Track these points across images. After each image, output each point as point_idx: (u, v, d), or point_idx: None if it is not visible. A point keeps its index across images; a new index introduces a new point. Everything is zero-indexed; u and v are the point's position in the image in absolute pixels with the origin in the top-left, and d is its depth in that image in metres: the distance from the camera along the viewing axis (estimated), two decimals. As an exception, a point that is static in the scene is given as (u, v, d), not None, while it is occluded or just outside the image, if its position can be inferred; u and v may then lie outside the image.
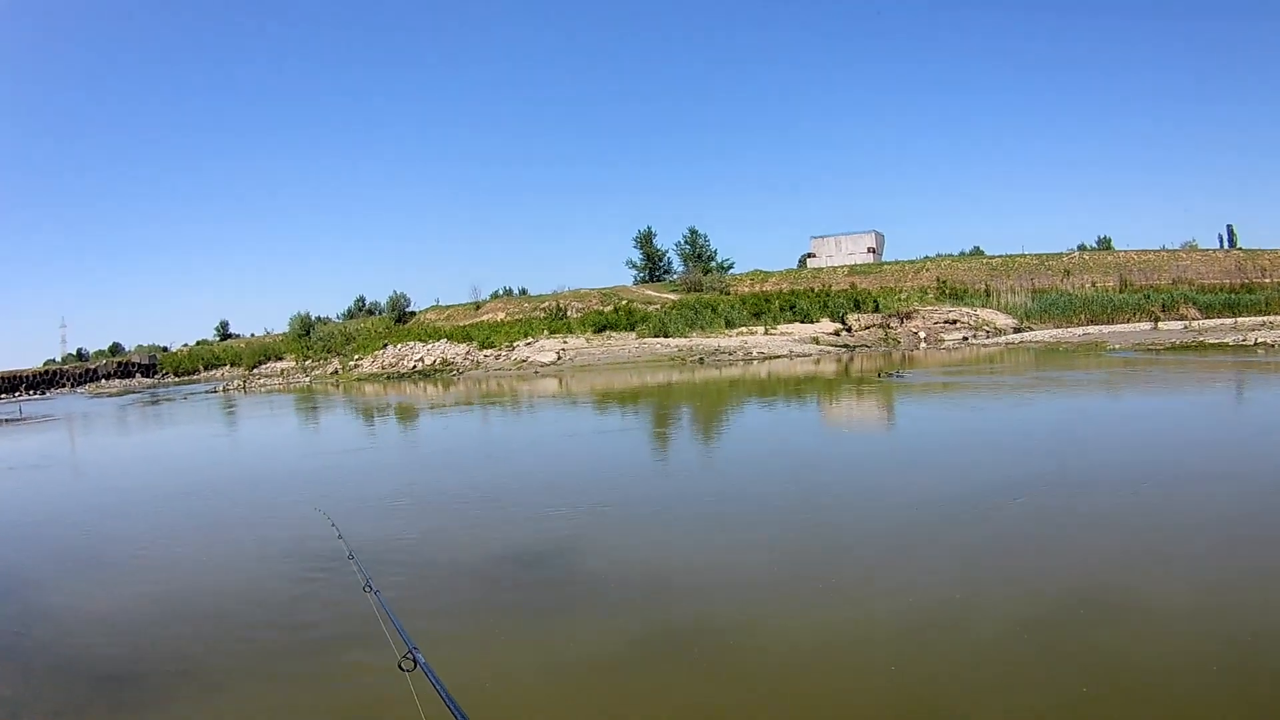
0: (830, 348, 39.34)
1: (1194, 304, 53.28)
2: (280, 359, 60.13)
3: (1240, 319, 49.41)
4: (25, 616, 6.72)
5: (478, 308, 65.43)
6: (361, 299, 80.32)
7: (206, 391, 43.34)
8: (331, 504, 9.52)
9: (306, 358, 55.94)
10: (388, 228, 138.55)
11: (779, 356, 36.68)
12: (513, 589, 6.67)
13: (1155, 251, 66.80)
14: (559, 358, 39.90)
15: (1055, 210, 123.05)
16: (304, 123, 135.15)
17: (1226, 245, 71.40)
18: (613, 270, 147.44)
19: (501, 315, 60.03)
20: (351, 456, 15.83)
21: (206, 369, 66.13)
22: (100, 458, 19.62)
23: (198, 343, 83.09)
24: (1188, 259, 64.60)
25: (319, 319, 70.35)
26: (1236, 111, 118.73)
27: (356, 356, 49.31)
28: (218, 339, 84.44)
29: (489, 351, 43.32)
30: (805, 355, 37.28)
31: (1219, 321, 48.61)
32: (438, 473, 13.04)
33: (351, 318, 75.00)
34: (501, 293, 71.50)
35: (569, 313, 54.49)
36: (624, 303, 54.55)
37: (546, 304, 58.83)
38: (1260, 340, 35.17)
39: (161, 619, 6.61)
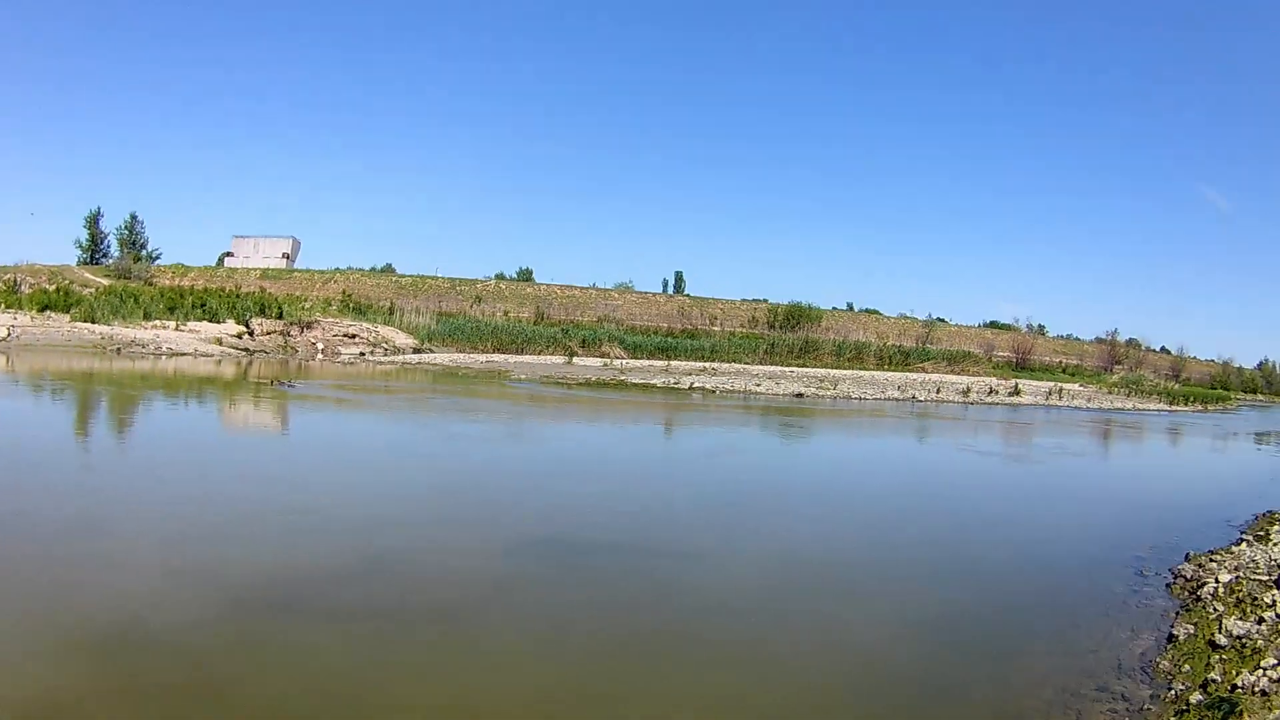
0: (232, 350, 41.04)
1: (620, 343, 54.16)
2: None
3: (675, 362, 50.38)
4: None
5: (-56, 275, 55.95)
6: None
7: None
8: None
9: None
10: None
11: (185, 354, 37.38)
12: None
13: (583, 288, 69.83)
14: (8, 334, 38.15)
15: (478, 238, 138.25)
16: None
17: (672, 290, 76.36)
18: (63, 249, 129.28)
19: (-39, 288, 51.16)
20: None
21: None
22: None
23: None
24: (620, 299, 68.35)
25: None
26: (677, 163, 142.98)
27: None
28: None
29: (-51, 323, 37.77)
30: (209, 355, 38.11)
31: (648, 363, 49.05)
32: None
33: None
34: (-34, 265, 61.96)
35: (23, 288, 51.43)
36: (66, 283, 52.50)
37: (8, 276, 54.18)
38: (696, 385, 35.85)
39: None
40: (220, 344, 41.93)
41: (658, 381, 36.62)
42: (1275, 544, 10.71)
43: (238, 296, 53.32)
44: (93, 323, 43.21)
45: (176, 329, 43.91)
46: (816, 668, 6.42)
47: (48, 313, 44.56)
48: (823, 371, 53.04)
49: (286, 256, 71.59)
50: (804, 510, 12.73)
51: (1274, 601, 7.58)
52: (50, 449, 13.77)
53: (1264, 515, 13.77)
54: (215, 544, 8.38)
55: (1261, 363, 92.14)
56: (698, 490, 13.73)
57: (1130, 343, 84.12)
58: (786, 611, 7.66)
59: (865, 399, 36.61)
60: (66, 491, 10.29)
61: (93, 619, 6.15)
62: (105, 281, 56.78)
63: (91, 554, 7.69)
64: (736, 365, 51.86)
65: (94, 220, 72.73)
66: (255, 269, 67.15)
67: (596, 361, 47.82)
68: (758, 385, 37.66)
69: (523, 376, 36.36)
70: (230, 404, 22.90)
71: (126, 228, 71.77)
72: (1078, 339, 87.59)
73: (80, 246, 72.47)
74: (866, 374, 54.86)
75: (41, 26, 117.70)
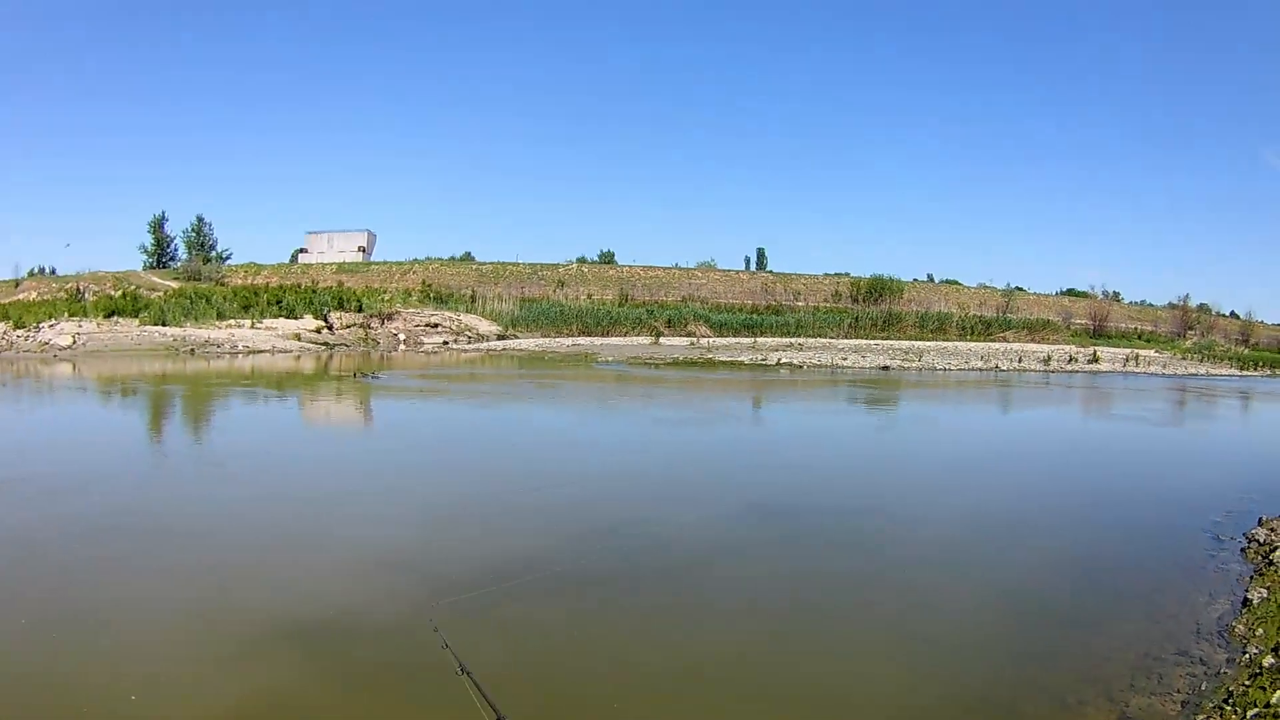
0: (311, 345, 40.59)
1: (706, 322, 54.50)
2: None
3: (761, 339, 50.47)
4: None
5: (16, 285, 56.42)
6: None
7: None
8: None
9: None
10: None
11: (263, 351, 37.31)
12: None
13: (665, 268, 69.23)
14: (74, 341, 37.69)
15: (557, 224, 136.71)
16: None
17: (754, 268, 75.26)
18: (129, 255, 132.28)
19: (34, 295, 52.30)
20: None
21: None
22: None
23: None
24: (704, 278, 67.49)
25: None
26: (760, 137, 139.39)
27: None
28: None
29: (21, 332, 39.20)
30: (287, 351, 37.94)
31: (735, 340, 49.10)
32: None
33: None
34: (37, 271, 62.70)
35: (87, 295, 50.33)
36: (133, 288, 51.40)
37: (70, 285, 53.45)
38: (784, 360, 36.07)
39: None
40: (299, 339, 41.60)
41: (745, 359, 36.75)
42: (1350, 512, 10.29)
43: (314, 292, 52.43)
44: (163, 325, 41.84)
45: (252, 327, 43.12)
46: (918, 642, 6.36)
47: (115, 318, 42.94)
48: (907, 343, 53.53)
49: (362, 250, 70.53)
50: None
51: (1349, 570, 7.39)
52: (170, 454, 14.06)
53: (1338, 483, 12.93)
54: (408, 534, 8.87)
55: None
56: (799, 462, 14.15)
57: (1201, 308, 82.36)
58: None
59: (950, 369, 36.94)
60: (199, 497, 10.39)
61: (299, 616, 6.34)
62: (174, 285, 55.73)
63: (267, 555, 7.96)
64: (821, 340, 52.11)
65: (158, 224, 70.87)
66: (331, 264, 66.06)
67: (683, 341, 47.66)
68: (844, 359, 38.24)
69: (610, 358, 35.93)
70: (324, 397, 22.82)
71: (193, 230, 69.42)
72: (1151, 305, 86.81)
73: (145, 251, 70.44)
74: (949, 345, 55.23)
75: (103, 37, 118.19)
